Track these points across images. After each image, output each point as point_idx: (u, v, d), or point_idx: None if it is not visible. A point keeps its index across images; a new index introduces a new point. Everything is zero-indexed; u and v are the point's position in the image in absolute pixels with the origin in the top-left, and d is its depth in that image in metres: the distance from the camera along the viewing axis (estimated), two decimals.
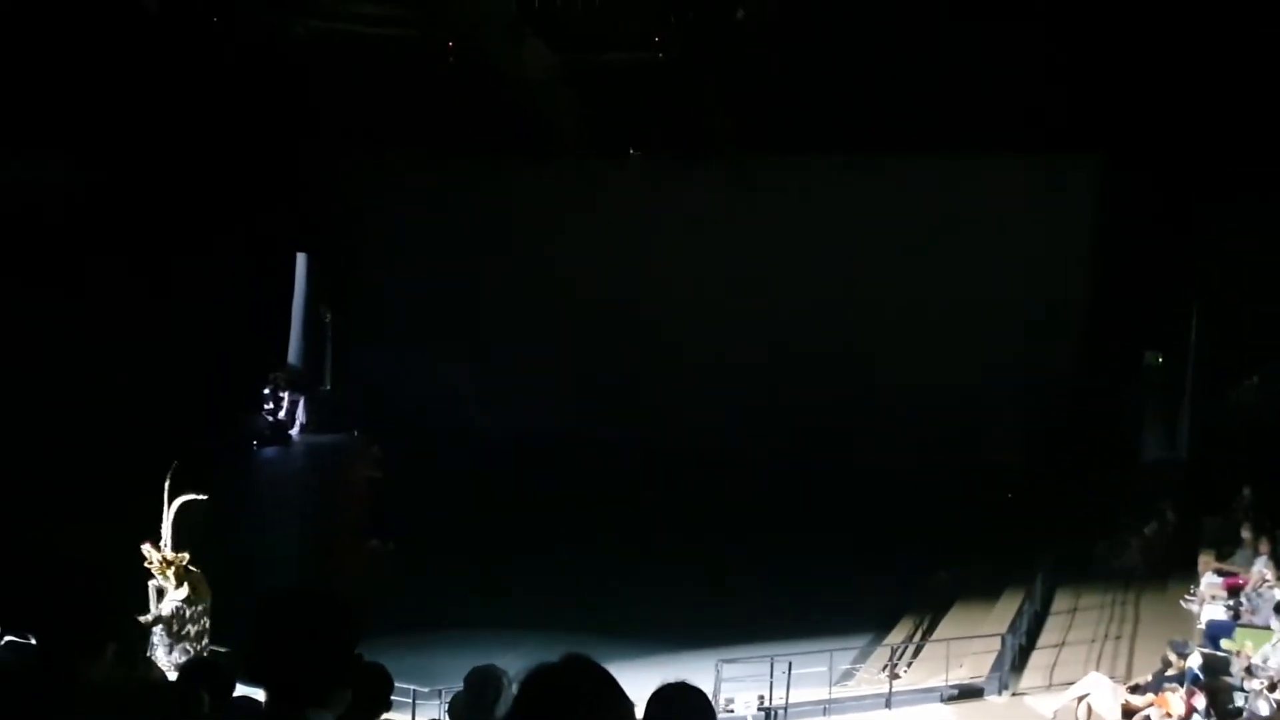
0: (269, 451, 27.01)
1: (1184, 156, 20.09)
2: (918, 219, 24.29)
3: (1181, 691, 11.87)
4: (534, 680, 2.48)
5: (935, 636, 15.50)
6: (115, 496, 18.25)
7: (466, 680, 5.72)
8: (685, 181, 25.93)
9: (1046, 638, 15.50)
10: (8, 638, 7.59)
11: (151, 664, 6.61)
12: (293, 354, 29.54)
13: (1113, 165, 22.20)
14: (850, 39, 21.22)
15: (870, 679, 14.24)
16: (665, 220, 26.07)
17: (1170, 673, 12.26)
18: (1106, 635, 15.32)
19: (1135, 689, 12.39)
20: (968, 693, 13.69)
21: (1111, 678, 12.79)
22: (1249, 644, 13.30)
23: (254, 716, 4.29)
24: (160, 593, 11.63)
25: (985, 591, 16.93)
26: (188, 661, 6.41)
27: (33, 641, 3.24)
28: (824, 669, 13.42)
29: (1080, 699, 12.20)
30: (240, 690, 5.45)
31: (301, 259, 29.51)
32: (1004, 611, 15.77)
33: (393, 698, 6.01)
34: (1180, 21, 19.16)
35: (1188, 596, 15.96)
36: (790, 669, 12.85)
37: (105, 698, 3.22)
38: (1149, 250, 21.14)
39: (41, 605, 3.18)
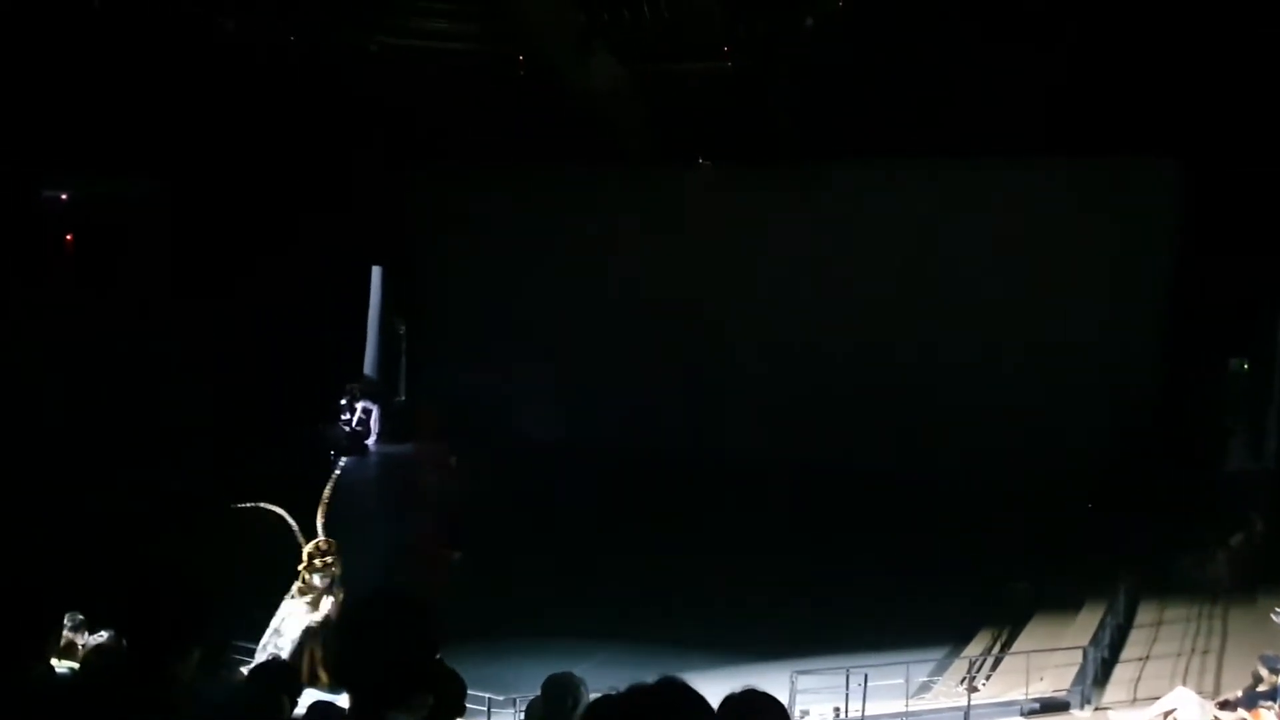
0: (346, 461, 27.40)
1: (1268, 158, 19.60)
2: (993, 225, 23.95)
3: (1276, 708, 11.54)
4: (634, 699, 2.48)
5: (1015, 649, 15.25)
6: (200, 505, 18.70)
7: (544, 687, 5.75)
8: (755, 190, 25.84)
9: (1130, 651, 15.14)
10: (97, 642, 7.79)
11: (236, 668, 6.72)
12: (368, 365, 29.96)
13: (1195, 168, 21.72)
14: (920, 43, 21.04)
15: (948, 692, 14.03)
16: (735, 228, 26.01)
17: (1261, 688, 11.90)
18: (1193, 649, 14.93)
19: (1225, 705, 12.07)
20: (1049, 707, 13.42)
21: (1199, 693, 12.47)
22: None
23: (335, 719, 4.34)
24: (303, 592, 11.56)
25: (1066, 603, 16.61)
26: (259, 665, 6.50)
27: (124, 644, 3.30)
28: (901, 681, 13.26)
29: (1167, 714, 11.91)
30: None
31: (376, 271, 29.92)
32: (1085, 624, 15.45)
33: (467, 704, 6.05)
34: (1263, 21, 18.72)
35: (1278, 610, 15.51)
36: (866, 681, 12.70)
37: (192, 700, 3.27)
38: (1233, 255, 20.64)
39: (132, 610, 3.25)
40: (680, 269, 26.15)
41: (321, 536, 11.84)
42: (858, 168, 25.06)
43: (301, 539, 11.83)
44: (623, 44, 22.95)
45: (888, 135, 22.70)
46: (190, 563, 3.38)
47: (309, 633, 11.44)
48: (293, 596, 11.78)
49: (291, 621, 11.61)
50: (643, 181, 26.40)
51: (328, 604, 11.67)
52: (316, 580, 11.69)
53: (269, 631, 11.64)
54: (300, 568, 11.75)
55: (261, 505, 12.23)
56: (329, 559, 11.77)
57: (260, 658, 10.83)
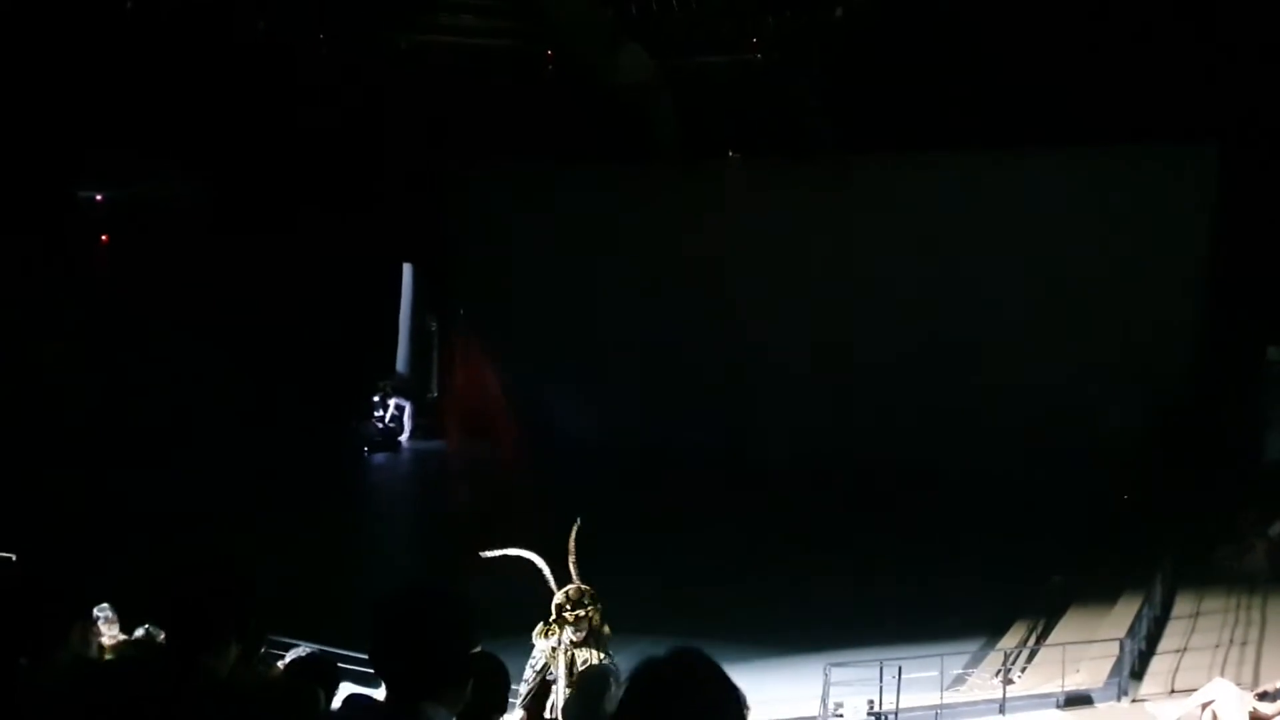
0: (379, 457, 27.62)
1: None
2: (1028, 214, 23.78)
3: None
4: (645, 673, 2.38)
5: (1050, 641, 15.14)
6: (239, 499, 18.86)
7: (577, 680, 5.78)
8: (786, 182, 25.76)
9: (1167, 643, 15.01)
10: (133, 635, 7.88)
11: (272, 663, 6.77)
12: (400, 363, 30.12)
13: (1232, 154, 21.49)
14: (949, 34, 20.91)
15: (983, 684, 13.96)
16: (766, 221, 25.93)
17: None
18: (1231, 640, 14.78)
19: (1263, 696, 11.91)
20: (1085, 699, 13.33)
21: (1237, 684, 12.34)
22: None
23: (372, 713, 4.37)
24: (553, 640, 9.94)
25: (1102, 595, 16.48)
26: (296, 659, 6.53)
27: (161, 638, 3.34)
28: (935, 674, 13.18)
29: (1205, 706, 11.79)
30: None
31: (408, 269, 30.06)
32: (1122, 615, 15.31)
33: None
34: None
35: None
36: (900, 673, 12.64)
37: (227, 694, 3.30)
38: (1270, 242, 20.41)
39: (170, 603, 3.29)
40: (710, 262, 26.11)
41: (574, 584, 10.19)
42: (888, 159, 24.93)
43: (554, 585, 10.22)
44: (651, 38, 22.94)
45: (918, 126, 22.59)
46: (227, 557, 3.41)
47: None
48: (551, 646, 10.00)
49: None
50: (673, 175, 26.37)
51: (583, 658, 9.71)
52: (569, 635, 9.85)
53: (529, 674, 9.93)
54: (551, 620, 9.99)
55: (511, 552, 10.73)
56: (583, 611, 9.99)
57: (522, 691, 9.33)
